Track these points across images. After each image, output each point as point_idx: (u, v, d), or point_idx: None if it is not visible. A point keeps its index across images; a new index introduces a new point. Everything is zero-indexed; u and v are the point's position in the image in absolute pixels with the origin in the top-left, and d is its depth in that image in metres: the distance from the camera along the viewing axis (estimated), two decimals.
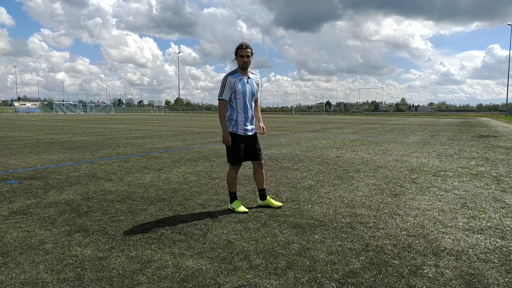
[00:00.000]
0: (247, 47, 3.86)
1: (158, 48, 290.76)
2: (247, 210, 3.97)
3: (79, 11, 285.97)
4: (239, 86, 3.86)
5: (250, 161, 4.14)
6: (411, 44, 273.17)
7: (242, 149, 3.99)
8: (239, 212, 3.92)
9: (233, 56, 3.90)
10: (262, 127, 4.23)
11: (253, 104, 4.05)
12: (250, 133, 4.00)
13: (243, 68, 3.89)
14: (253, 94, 3.99)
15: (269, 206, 4.13)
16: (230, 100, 3.91)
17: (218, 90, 3.92)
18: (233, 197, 4.08)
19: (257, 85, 4.09)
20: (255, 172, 4.16)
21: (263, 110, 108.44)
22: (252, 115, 4.02)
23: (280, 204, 4.15)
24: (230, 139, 3.88)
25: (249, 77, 3.96)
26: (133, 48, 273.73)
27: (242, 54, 3.83)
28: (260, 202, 4.19)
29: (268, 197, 4.19)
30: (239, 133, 3.94)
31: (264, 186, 4.19)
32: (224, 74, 4.00)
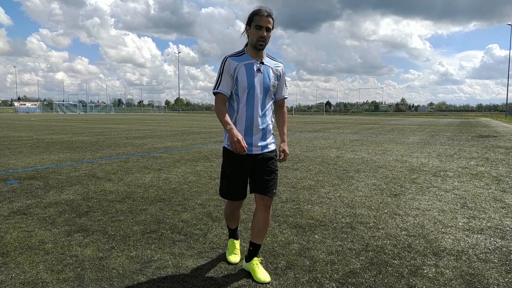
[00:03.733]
0: (269, 15, 2.36)
1: (156, 48, 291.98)
2: (237, 261, 2.74)
3: (77, 11, 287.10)
4: (244, 73, 2.40)
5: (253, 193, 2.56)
6: (410, 44, 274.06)
7: (239, 174, 2.50)
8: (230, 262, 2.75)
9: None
10: (283, 150, 2.62)
11: (267, 103, 2.50)
12: (257, 152, 2.47)
13: (257, 47, 2.39)
14: (266, 89, 2.45)
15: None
16: (231, 96, 2.47)
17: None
18: (230, 233, 2.91)
19: (277, 77, 2.52)
20: (256, 211, 2.56)
21: None
22: (263, 122, 2.48)
23: (268, 279, 2.44)
24: (238, 138, 2.27)
25: (262, 63, 2.46)
26: (132, 48, 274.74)
27: (261, 24, 2.34)
28: (244, 264, 2.64)
29: (255, 260, 2.57)
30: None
31: (260, 243, 2.59)
32: None
